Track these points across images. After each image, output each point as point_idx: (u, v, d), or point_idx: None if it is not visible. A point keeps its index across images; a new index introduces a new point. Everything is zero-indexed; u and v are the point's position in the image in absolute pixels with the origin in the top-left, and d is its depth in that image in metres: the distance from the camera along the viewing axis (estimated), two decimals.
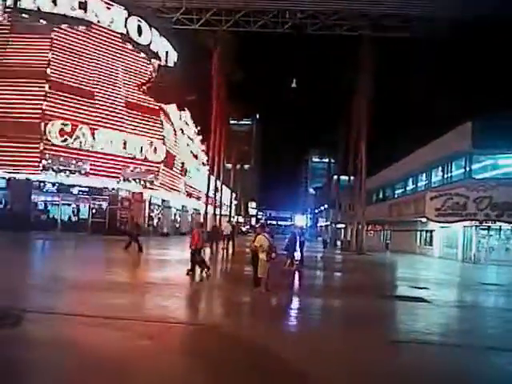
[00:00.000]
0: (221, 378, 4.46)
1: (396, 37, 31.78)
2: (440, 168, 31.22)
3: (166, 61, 38.92)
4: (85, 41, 31.68)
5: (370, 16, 31.53)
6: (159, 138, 33.68)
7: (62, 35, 30.54)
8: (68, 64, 30.10)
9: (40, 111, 27.84)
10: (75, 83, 30.00)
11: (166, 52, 38.91)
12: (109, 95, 31.89)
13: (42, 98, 28.11)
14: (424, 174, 34.14)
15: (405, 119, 41.48)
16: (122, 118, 31.83)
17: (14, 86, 27.67)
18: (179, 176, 38.27)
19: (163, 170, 33.81)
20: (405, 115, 41.70)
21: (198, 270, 11.59)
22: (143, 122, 33.20)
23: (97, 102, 30.90)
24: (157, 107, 34.47)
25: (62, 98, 28.87)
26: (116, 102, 32.06)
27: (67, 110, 28.82)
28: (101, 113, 30.76)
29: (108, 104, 31.54)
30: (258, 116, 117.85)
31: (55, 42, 29.89)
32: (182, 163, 38.82)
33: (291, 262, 14.53)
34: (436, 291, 12.26)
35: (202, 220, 32.59)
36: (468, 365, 5.55)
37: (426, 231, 33.45)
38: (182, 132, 41.41)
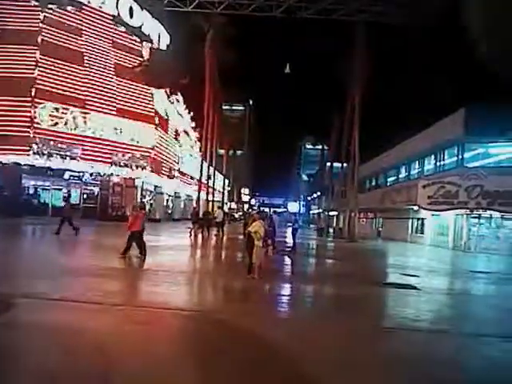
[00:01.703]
0: (212, 364, 4.44)
1: (389, 24, 31.53)
2: (433, 156, 31.30)
3: (159, 44, 38.33)
4: (76, 22, 31.02)
5: (365, 1, 31.23)
6: (151, 123, 33.34)
7: (53, 17, 29.81)
8: (59, 45, 29.45)
9: (30, 94, 27.35)
10: (66, 65, 29.42)
11: (159, 35, 38.28)
12: (101, 80, 31.36)
13: (32, 81, 27.57)
14: (417, 162, 34.23)
15: (398, 107, 41.36)
16: (113, 102, 31.39)
17: (3, 66, 27.10)
18: (169, 170, 37.88)
19: (156, 154, 33.57)
20: (398, 103, 41.57)
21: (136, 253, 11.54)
22: (135, 105, 32.80)
23: (89, 86, 30.40)
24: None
25: (52, 80, 28.34)
26: (108, 87, 31.55)
27: (58, 94, 28.32)
28: (93, 97, 30.31)
29: (100, 88, 31.04)
30: (251, 102, 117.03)
31: (45, 24, 29.17)
32: (170, 168, 38.36)
33: (272, 248, 14.22)
34: (426, 279, 12.36)
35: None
36: (457, 351, 5.59)
37: (418, 219, 33.67)
38: (177, 134, 40.93)
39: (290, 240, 19.00)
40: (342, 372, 4.48)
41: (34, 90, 27.37)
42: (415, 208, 30.78)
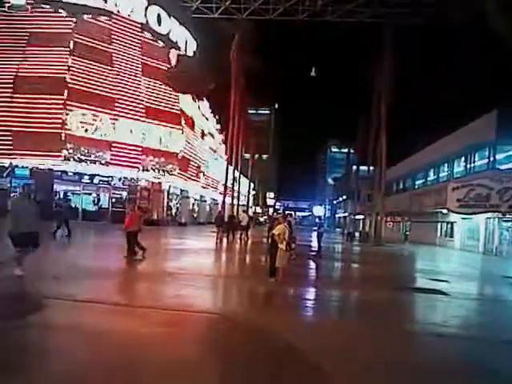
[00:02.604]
0: (234, 366, 4.49)
1: (418, 25, 31.01)
2: (463, 158, 30.55)
3: (186, 50, 38.92)
4: (105, 31, 31.84)
5: (391, 3, 30.85)
6: (178, 123, 33.79)
7: (82, 36, 30.54)
8: (89, 62, 30.12)
9: (61, 104, 28.18)
10: (96, 71, 30.18)
11: (186, 41, 38.88)
12: (130, 91, 31.94)
13: (64, 86, 28.35)
14: (446, 165, 33.49)
15: (427, 109, 40.59)
16: (141, 103, 31.96)
17: (33, 94, 27.90)
18: (195, 178, 38.34)
19: (183, 155, 33.96)
20: (427, 104, 40.81)
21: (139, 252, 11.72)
22: (162, 104, 33.27)
23: (118, 91, 31.09)
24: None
25: (83, 84, 29.03)
26: (137, 99, 32.07)
27: (88, 99, 29.07)
28: (121, 102, 31.00)
29: (128, 94, 31.70)
30: (276, 106, 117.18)
31: (75, 44, 29.90)
32: (198, 167, 38.84)
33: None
34: (455, 284, 12.06)
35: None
36: (484, 358, 5.45)
37: (447, 223, 32.89)
38: (203, 135, 41.38)
39: (315, 244, 18.87)
40: (363, 375, 4.45)
41: (65, 95, 28.19)
42: (444, 211, 30.09)
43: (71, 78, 28.68)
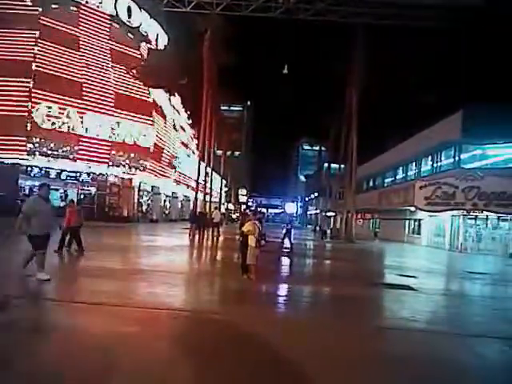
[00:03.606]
0: (209, 365, 4.43)
1: (388, 25, 31.59)
2: (430, 157, 31.41)
3: (157, 44, 38.31)
4: (73, 24, 30.95)
5: (364, 4, 31.27)
6: (149, 123, 33.29)
7: (49, 21, 29.67)
8: (56, 51, 29.32)
9: (27, 94, 27.27)
10: (63, 66, 29.35)
11: (157, 35, 38.28)
12: (98, 78, 31.27)
13: (29, 81, 27.48)
14: (414, 163, 34.34)
15: (396, 108, 41.44)
16: (110, 102, 31.34)
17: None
18: (167, 168, 37.97)
19: (151, 162, 33.52)
20: (396, 104, 41.66)
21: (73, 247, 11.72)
22: (133, 105, 32.74)
23: (85, 85, 30.31)
24: (148, 99, 33.99)
25: (48, 80, 28.25)
26: (106, 92, 31.41)
27: (55, 93, 28.23)
28: (90, 96, 30.23)
29: (97, 88, 30.96)
30: (249, 103, 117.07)
31: (42, 28, 29.03)
32: (171, 155, 38.45)
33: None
34: (423, 279, 12.37)
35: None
36: (452, 352, 5.60)
37: (415, 220, 33.76)
38: (174, 123, 40.94)
39: (286, 241, 18.98)
40: (336, 371, 4.48)
41: (30, 88, 27.30)
42: (412, 209, 30.88)
43: (38, 63, 27.81)
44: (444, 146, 28.44)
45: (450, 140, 27.06)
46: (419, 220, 32.79)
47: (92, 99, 30.21)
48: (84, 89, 29.98)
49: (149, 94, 34.00)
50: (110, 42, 32.90)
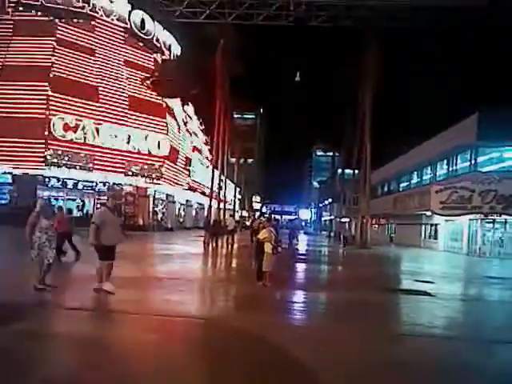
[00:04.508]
0: (224, 371, 4.47)
1: (401, 30, 31.54)
2: (445, 161, 31.05)
3: (170, 55, 38.84)
4: (88, 35, 31.70)
5: (375, 8, 31.28)
6: (163, 132, 33.72)
7: (66, 30, 30.55)
8: (72, 59, 30.13)
9: (44, 107, 27.94)
10: (79, 78, 30.04)
11: (170, 45, 38.82)
12: (112, 89, 31.90)
13: (46, 93, 28.19)
14: (429, 168, 33.98)
15: (410, 112, 41.23)
16: (125, 113, 31.89)
17: (18, 83, 27.77)
18: (183, 170, 38.35)
19: (167, 164, 33.92)
20: (410, 108, 41.46)
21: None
22: (147, 116, 33.28)
23: (100, 96, 30.93)
24: (161, 102, 34.56)
25: (65, 93, 28.92)
26: (120, 97, 32.09)
27: (71, 106, 28.87)
28: (105, 108, 30.83)
29: (112, 98, 31.57)
30: (261, 110, 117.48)
31: (59, 36, 29.92)
32: (186, 157, 38.90)
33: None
34: (440, 285, 12.22)
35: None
36: (470, 357, 5.53)
37: (431, 225, 33.33)
38: (185, 125, 41.40)
39: (300, 246, 18.95)
40: (352, 379, 4.47)
41: (48, 102, 27.98)
42: (428, 213, 30.50)
43: (53, 88, 28.56)
44: (460, 149, 28.10)
45: (466, 143, 26.73)
46: (436, 225, 32.36)
47: (107, 110, 30.81)
48: (100, 99, 30.61)
49: (161, 103, 34.55)
50: (124, 52, 33.55)
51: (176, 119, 37.57)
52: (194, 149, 44.06)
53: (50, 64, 28.92)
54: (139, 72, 34.28)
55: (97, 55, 31.75)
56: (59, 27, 30.08)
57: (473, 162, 26.93)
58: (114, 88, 31.99)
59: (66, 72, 29.41)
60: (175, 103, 38.03)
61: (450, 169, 30.15)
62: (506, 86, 28.15)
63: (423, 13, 30.44)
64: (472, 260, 24.04)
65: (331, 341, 5.84)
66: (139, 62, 34.66)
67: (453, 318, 8.09)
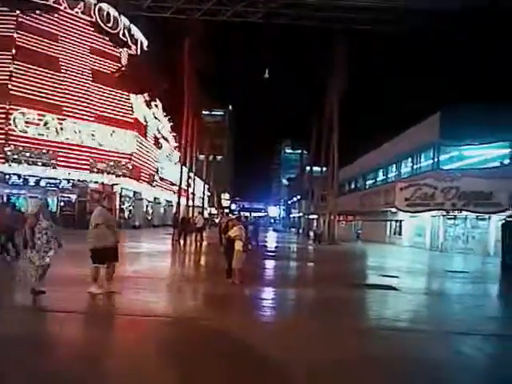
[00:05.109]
0: (194, 370, 4.43)
1: (368, 31, 32.06)
2: (409, 159, 31.95)
3: (137, 50, 38.07)
4: (52, 28, 30.61)
5: (344, 8, 31.66)
6: (130, 126, 33.04)
7: (29, 21, 29.34)
8: (35, 51, 28.99)
9: (4, 101, 26.84)
10: (41, 71, 28.95)
11: (137, 40, 38.05)
12: (78, 85, 30.96)
13: (6, 88, 27.07)
14: (394, 165, 34.87)
15: (377, 111, 42.14)
16: (91, 108, 31.05)
17: None
18: (151, 167, 37.74)
19: (134, 161, 33.30)
20: (377, 107, 42.38)
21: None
22: (114, 111, 32.52)
23: (65, 92, 29.97)
24: (127, 96, 33.83)
25: (27, 87, 27.87)
26: (86, 93, 31.16)
27: (33, 100, 27.84)
28: (70, 103, 29.90)
29: (77, 94, 30.65)
30: (230, 107, 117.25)
31: (20, 30, 28.72)
32: (155, 137, 38.34)
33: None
34: (405, 279, 12.59)
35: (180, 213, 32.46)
36: (433, 349, 5.72)
37: (396, 221, 34.24)
38: (155, 117, 40.80)
39: (271, 244, 19.08)
40: (320, 373, 4.54)
41: (8, 96, 26.88)
42: (393, 210, 31.31)
43: (13, 85, 27.37)
44: (423, 147, 28.99)
45: (429, 141, 27.60)
46: (400, 221, 33.28)
47: (72, 104, 29.89)
48: (64, 94, 29.65)
49: (131, 110, 33.79)
50: (90, 54, 32.64)
51: (145, 135, 36.98)
52: (162, 145, 43.45)
53: (11, 57, 27.73)
54: (105, 65, 33.42)
55: (61, 47, 30.68)
56: (18, 37, 28.67)
57: (435, 160, 27.83)
58: (79, 81, 31.03)
59: (27, 88, 28.14)
60: (146, 112, 37.47)
61: (414, 166, 31.07)
62: (468, 85, 29.17)
63: (390, 14, 31.06)
64: (434, 255, 24.87)
65: (301, 336, 5.90)
66: (105, 56, 33.76)
67: (417, 312, 8.36)
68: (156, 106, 41.79)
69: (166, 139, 45.04)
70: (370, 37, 32.38)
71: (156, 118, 41.63)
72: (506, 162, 24.78)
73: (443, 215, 27.02)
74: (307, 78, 34.23)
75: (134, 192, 37.12)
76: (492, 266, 18.60)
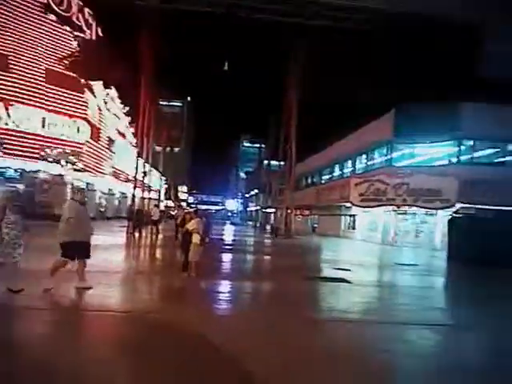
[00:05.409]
0: (149, 366, 4.34)
1: (326, 27, 32.46)
2: (364, 155, 32.86)
3: (91, 34, 36.63)
4: (1, 8, 28.86)
5: (296, 3, 31.85)
6: (83, 116, 31.82)
7: None
8: None
9: None
10: None
11: (91, 25, 36.60)
12: (27, 68, 29.40)
13: None
14: (350, 161, 35.74)
15: (335, 106, 42.89)
16: (41, 94, 29.59)
17: None
18: (105, 158, 36.57)
19: (88, 150, 32.15)
20: (335, 103, 43.09)
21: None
22: (65, 97, 31.17)
23: (13, 74, 28.37)
24: (81, 81, 32.49)
25: None
26: (35, 76, 29.66)
27: None
28: (17, 86, 28.35)
29: (26, 78, 29.10)
30: (189, 98, 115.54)
31: None
32: (109, 138, 37.11)
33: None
34: (357, 272, 12.97)
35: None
36: (382, 340, 5.94)
37: (350, 215, 35.18)
38: (108, 110, 39.46)
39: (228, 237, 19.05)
40: (273, 364, 4.58)
41: None
42: (348, 205, 32.15)
43: None
44: (377, 144, 29.90)
45: (383, 139, 28.50)
46: (354, 215, 34.22)
47: (20, 88, 28.36)
48: (12, 77, 28.06)
49: (83, 94, 32.48)
50: (41, 31, 31.03)
51: (97, 99, 35.61)
52: (118, 133, 42.19)
53: None
54: (57, 49, 31.91)
55: (10, 30, 28.96)
56: None
57: (388, 156, 28.81)
58: (29, 65, 29.45)
59: None
60: (98, 87, 36.03)
61: (369, 163, 32.00)
62: (421, 85, 30.20)
63: (348, 12, 31.59)
64: (385, 249, 25.80)
65: (257, 330, 5.93)
66: (59, 41, 32.23)
67: (367, 303, 8.63)
68: (112, 99, 40.47)
69: (122, 134, 43.80)
70: (328, 35, 32.77)
71: (108, 110, 40.34)
72: (454, 160, 26.03)
73: (394, 210, 28.05)
74: (267, 74, 34.25)
75: (87, 183, 35.88)
76: (438, 259, 19.54)
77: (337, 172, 38.81)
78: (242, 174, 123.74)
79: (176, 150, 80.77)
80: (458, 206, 22.85)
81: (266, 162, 53.76)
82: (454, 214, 20.45)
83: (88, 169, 32.49)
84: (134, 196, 29.22)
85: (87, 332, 5.54)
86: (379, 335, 6.18)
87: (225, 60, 42.24)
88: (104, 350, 4.79)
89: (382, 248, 26.25)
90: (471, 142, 25.75)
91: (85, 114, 32.02)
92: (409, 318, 7.31)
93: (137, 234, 22.06)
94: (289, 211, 33.80)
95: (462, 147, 25.75)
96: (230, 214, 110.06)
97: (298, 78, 30.57)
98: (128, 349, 4.88)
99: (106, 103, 38.88)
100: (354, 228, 34.64)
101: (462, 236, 17.52)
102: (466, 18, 28.53)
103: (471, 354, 5.89)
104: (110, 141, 38.26)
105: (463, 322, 7.49)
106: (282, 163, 39.35)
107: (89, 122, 32.58)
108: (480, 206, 20.16)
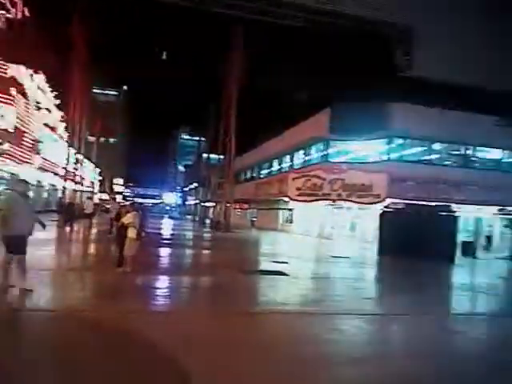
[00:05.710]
0: (77, 367, 4.12)
1: (268, 22, 32.69)
2: (302, 151, 33.63)
3: (16, 13, 33.94)
4: None
5: None
6: (7, 101, 29.46)
7: None
8: None
9: None
10: None
11: (16, 4, 33.89)
12: None
13: None
14: (288, 156, 36.41)
15: (271, 102, 43.41)
16: None
17: None
18: (32, 146, 34.18)
19: (13, 139, 29.83)
20: (274, 98, 43.61)
21: None
22: None
23: None
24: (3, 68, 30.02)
25: None
26: None
27: None
28: None
29: None
30: (125, 87, 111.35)
31: None
32: (35, 140, 34.65)
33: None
34: (294, 265, 13.27)
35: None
36: (317, 329, 6.12)
37: (288, 210, 35.90)
38: (37, 102, 36.87)
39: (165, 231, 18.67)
40: (211, 358, 4.55)
41: None
42: (286, 199, 32.78)
43: None
44: (314, 140, 30.71)
45: (319, 135, 29.33)
46: (292, 210, 34.97)
47: None
48: None
49: (6, 66, 29.98)
50: None
51: (25, 96, 33.13)
52: (47, 127, 39.60)
53: None
54: None
55: None
56: None
57: (324, 152, 29.72)
58: None
59: None
60: (25, 76, 33.50)
61: (306, 158, 32.81)
62: (356, 85, 31.36)
63: (291, 9, 32.01)
64: (322, 242, 26.65)
65: (187, 324, 5.86)
66: None
67: (304, 295, 8.86)
68: (42, 88, 37.80)
69: (49, 110, 41.12)
70: (270, 30, 33.04)
71: (39, 88, 37.73)
72: (385, 157, 27.39)
73: (330, 205, 29.03)
74: (207, 66, 33.83)
75: (12, 174, 33.39)
76: (370, 251, 20.50)
77: (275, 167, 39.39)
78: (181, 168, 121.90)
79: (111, 140, 77.65)
80: (388, 201, 24.11)
81: (205, 155, 53.27)
82: (385, 209, 21.56)
83: (11, 158, 30.17)
84: (64, 188, 27.72)
85: (13, 332, 5.16)
86: (314, 325, 6.36)
87: (163, 49, 41.23)
88: (30, 350, 4.49)
89: (319, 242, 27.08)
90: (400, 141, 27.24)
91: (10, 100, 29.63)
92: (342, 308, 7.60)
93: (68, 229, 20.96)
94: (228, 205, 33.80)
95: (392, 145, 27.16)
96: (168, 207, 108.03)
97: (237, 71, 30.53)
98: (56, 349, 4.61)
99: (36, 102, 36.34)
100: (291, 222, 35.39)
101: (390, 229, 18.54)
102: (393, 19, 30.15)
103: (397, 342, 6.26)
104: (36, 142, 35.74)
105: (391, 311, 7.92)
106: (221, 157, 39.19)
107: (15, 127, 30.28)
108: (408, 202, 21.45)
